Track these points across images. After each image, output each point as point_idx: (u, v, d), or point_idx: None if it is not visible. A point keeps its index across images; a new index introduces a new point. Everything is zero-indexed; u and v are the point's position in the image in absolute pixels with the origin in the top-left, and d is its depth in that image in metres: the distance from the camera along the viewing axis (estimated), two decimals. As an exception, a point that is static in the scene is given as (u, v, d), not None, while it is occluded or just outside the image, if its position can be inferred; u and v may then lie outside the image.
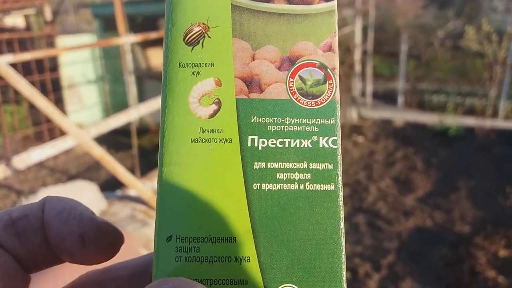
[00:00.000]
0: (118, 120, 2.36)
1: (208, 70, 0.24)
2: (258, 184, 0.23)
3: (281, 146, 0.23)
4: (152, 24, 4.48)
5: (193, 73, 0.24)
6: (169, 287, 0.18)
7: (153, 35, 2.72)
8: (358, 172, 3.81)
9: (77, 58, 4.34)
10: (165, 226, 0.22)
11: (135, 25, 4.58)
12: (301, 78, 0.24)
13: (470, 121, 4.61)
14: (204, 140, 0.23)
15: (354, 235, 2.85)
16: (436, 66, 6.02)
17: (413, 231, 2.94)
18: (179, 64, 0.24)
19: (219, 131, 0.23)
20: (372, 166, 3.93)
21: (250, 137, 0.23)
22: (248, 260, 0.22)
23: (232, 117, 0.23)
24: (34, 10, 5.16)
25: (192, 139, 0.23)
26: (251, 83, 0.24)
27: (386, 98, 5.54)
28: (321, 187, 0.23)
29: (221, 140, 0.23)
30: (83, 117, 4.36)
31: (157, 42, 4.79)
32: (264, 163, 0.23)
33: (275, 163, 0.23)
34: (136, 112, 2.57)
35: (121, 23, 2.76)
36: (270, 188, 0.23)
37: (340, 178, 0.23)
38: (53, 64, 4.13)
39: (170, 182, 0.22)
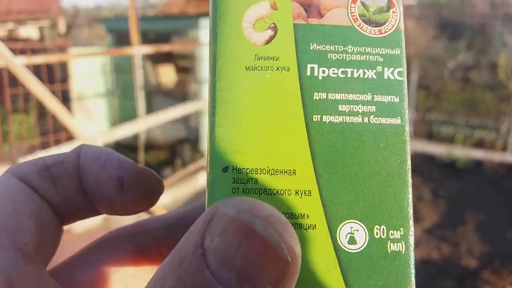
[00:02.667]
0: (125, 130, 2.36)
1: None
2: (319, 116, 0.21)
3: (343, 76, 0.21)
4: (165, 41, 4.52)
5: None
6: (234, 203, 0.16)
7: (165, 47, 2.74)
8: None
9: (88, 71, 4.37)
10: (220, 156, 0.20)
11: (147, 42, 4.62)
12: (363, 4, 0.22)
13: (479, 154, 4.58)
14: (259, 68, 0.21)
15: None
16: (445, 97, 6.04)
17: (419, 262, 2.88)
18: None
19: (275, 58, 0.21)
20: (378, 194, 3.89)
21: (309, 66, 0.21)
22: (309, 194, 0.20)
23: (289, 44, 0.21)
24: (48, 22, 5.23)
25: (247, 67, 0.21)
26: (309, 7, 0.22)
27: (394, 127, 5.52)
28: (386, 120, 0.21)
29: (277, 68, 0.21)
30: (90, 130, 4.36)
31: (168, 59, 4.84)
32: (324, 93, 0.21)
33: (336, 94, 0.21)
34: (144, 124, 2.56)
35: (134, 34, 2.78)
36: (332, 121, 0.21)
37: (407, 112, 0.21)
38: (64, 75, 4.15)
39: (225, 113, 0.21)
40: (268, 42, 0.21)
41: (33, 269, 0.21)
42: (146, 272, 0.25)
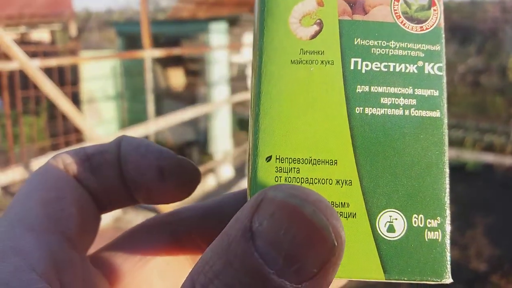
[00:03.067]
0: (134, 133, 2.37)
1: None
2: (361, 108, 0.21)
3: (386, 70, 0.22)
4: (175, 44, 4.53)
5: None
6: (283, 189, 0.16)
7: (175, 51, 2.75)
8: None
9: (98, 74, 4.40)
10: (264, 146, 0.21)
11: (157, 45, 4.64)
12: (406, 2, 0.23)
13: (488, 158, 4.56)
14: (304, 62, 0.22)
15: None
16: (455, 101, 6.02)
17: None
18: None
19: (320, 52, 0.22)
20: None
21: (353, 60, 0.22)
22: (350, 184, 0.21)
23: (334, 39, 0.22)
24: (60, 26, 5.27)
25: (292, 60, 0.22)
26: (354, 4, 0.23)
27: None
28: (426, 113, 0.22)
29: (322, 62, 0.22)
30: (100, 132, 4.39)
31: (177, 62, 4.85)
32: (367, 86, 0.22)
33: (379, 87, 0.22)
34: (153, 126, 2.58)
35: (146, 38, 2.80)
36: (374, 113, 0.21)
37: (445, 106, 0.22)
38: (75, 78, 4.18)
39: (270, 103, 0.21)
40: (313, 37, 0.22)
41: (76, 254, 0.21)
42: (180, 261, 0.26)
